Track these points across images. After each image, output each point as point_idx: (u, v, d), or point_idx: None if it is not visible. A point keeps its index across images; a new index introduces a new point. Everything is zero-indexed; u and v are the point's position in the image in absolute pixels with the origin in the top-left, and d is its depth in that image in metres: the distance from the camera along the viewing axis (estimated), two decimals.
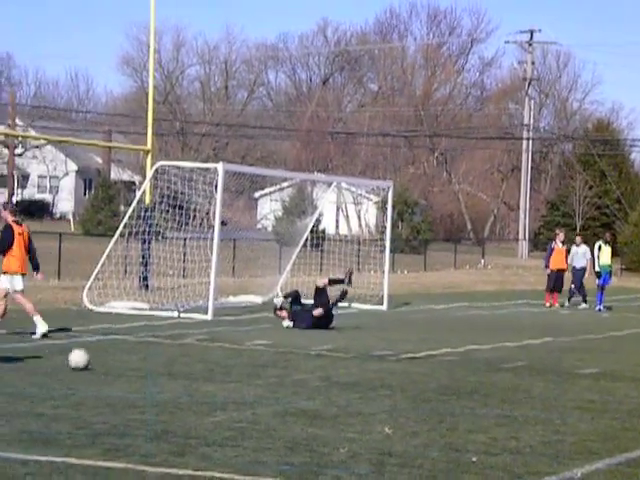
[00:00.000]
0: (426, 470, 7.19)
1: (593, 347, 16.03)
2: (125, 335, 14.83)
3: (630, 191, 65.21)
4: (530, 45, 59.24)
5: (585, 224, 61.84)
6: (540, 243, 59.77)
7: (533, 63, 60.07)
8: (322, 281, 17.85)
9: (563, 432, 8.77)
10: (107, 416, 8.59)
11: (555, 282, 24.84)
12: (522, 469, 7.34)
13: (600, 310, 24.17)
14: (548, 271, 24.93)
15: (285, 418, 8.85)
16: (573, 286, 25.16)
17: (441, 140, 72.93)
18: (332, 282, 17.99)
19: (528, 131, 58.93)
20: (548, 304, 24.76)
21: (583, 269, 24.89)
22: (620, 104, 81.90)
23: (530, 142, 59.23)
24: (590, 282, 25.33)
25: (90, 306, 18.76)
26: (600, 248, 24.64)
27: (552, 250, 25.01)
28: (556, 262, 24.78)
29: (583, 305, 24.91)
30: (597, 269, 24.58)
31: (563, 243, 25.12)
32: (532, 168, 61.21)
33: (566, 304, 24.92)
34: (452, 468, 7.29)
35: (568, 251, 25.20)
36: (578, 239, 25.81)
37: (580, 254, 25.09)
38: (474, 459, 7.55)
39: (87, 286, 19.34)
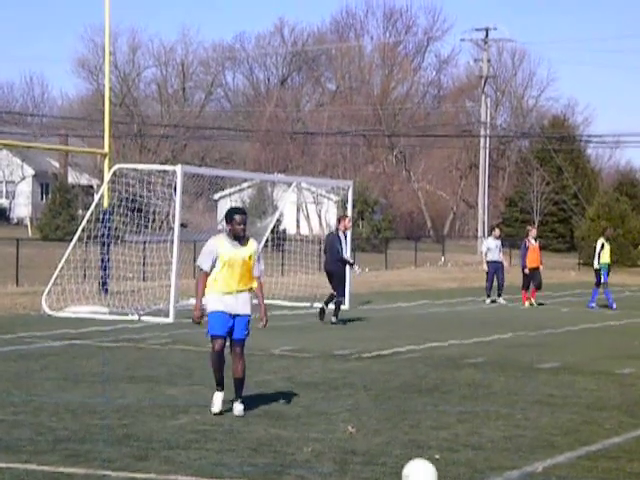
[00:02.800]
0: (389, 467, 7.23)
1: (552, 342, 16.19)
2: (85, 340, 14.71)
3: (587, 186, 65.98)
4: (486, 43, 59.66)
5: (543, 220, 62.47)
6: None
7: (489, 61, 60.51)
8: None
9: (524, 427, 8.85)
10: (68, 422, 8.53)
11: (533, 280, 24.13)
12: (484, 464, 7.40)
13: (614, 308, 23.41)
14: (527, 270, 24.07)
15: (248, 419, 8.84)
16: (488, 284, 24.57)
17: (400, 139, 73.24)
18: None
19: (485, 129, 59.37)
20: (527, 303, 24.08)
21: (501, 263, 24.65)
22: (575, 100, 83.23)
23: (487, 139, 59.67)
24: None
25: (49, 311, 18.60)
26: (603, 246, 23.69)
27: (527, 248, 24.26)
28: (532, 260, 24.12)
29: (488, 300, 24.54)
30: (597, 267, 23.64)
31: (535, 239, 24.56)
32: (490, 165, 61.67)
33: (502, 301, 24.37)
34: None
35: (540, 247, 24.70)
36: (498, 231, 25.36)
37: (496, 247, 24.71)
38: (437, 456, 7.60)
39: (46, 291, 19.16)
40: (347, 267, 18.77)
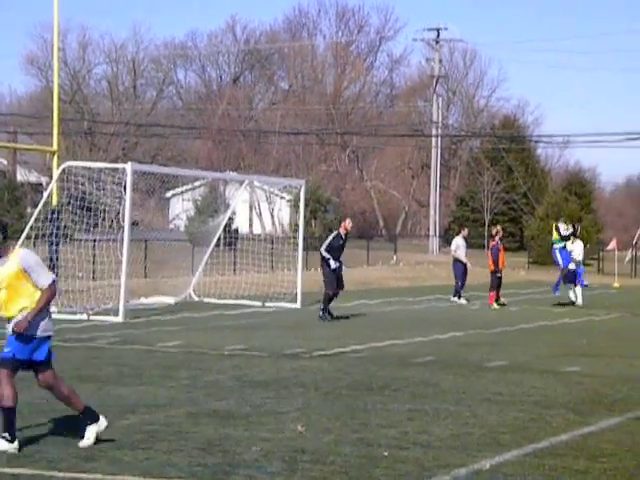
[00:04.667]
0: (338, 466, 7.24)
1: (501, 340, 16.34)
2: None
3: (536, 186, 66.74)
4: (437, 43, 60.05)
5: (493, 219, 63.04)
6: (451, 239, 60.77)
7: (440, 61, 60.92)
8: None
9: (472, 425, 8.92)
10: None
11: (499, 280, 24.12)
12: (432, 462, 7.45)
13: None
14: (499, 273, 23.84)
15: (198, 419, 8.80)
16: (460, 283, 24.67)
17: (352, 138, 73.44)
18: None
19: (437, 128, 59.77)
20: (498, 304, 23.84)
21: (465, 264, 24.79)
22: (526, 100, 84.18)
23: (439, 139, 60.09)
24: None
25: None
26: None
27: (499, 250, 23.99)
28: (502, 261, 24.10)
29: (463, 301, 24.62)
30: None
31: (501, 240, 24.56)
32: (441, 165, 62.13)
33: (462, 301, 24.50)
34: (364, 463, 7.36)
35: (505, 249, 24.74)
36: (467, 231, 25.75)
37: (463, 247, 24.88)
38: (385, 453, 7.63)
39: None
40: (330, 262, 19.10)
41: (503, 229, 26.61)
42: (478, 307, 23.98)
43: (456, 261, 25.00)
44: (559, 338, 16.97)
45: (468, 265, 25.13)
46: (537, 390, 11.02)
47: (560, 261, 24.48)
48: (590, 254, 51.91)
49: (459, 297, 24.76)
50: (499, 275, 24.05)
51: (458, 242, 25.19)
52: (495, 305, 23.96)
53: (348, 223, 19.44)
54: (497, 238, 24.31)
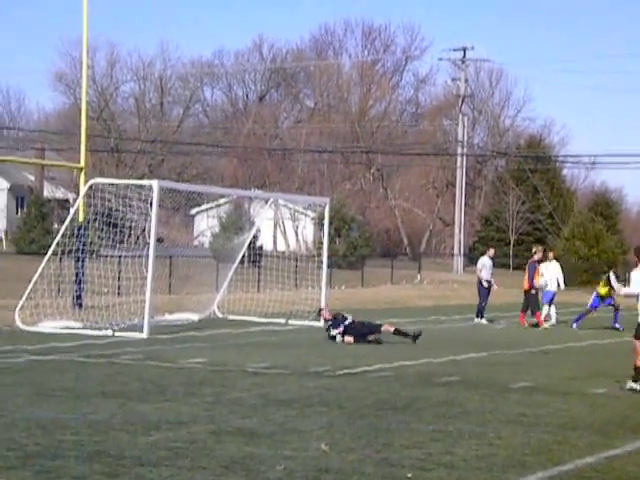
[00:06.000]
0: None
1: (526, 361, 16.24)
2: (58, 355, 14.60)
3: (562, 206, 66.44)
4: (463, 62, 60.06)
5: (518, 239, 62.81)
6: (475, 258, 60.53)
7: (466, 80, 60.90)
8: (388, 328, 18.59)
9: (497, 446, 8.86)
10: (39, 437, 8.46)
11: (536, 301, 24.09)
12: None
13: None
14: (534, 291, 23.94)
15: (221, 437, 8.80)
16: (483, 303, 24.54)
17: (377, 156, 73.48)
18: (397, 333, 18.54)
19: (462, 147, 59.69)
20: (543, 325, 23.76)
21: (490, 283, 24.71)
22: (552, 120, 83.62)
23: (464, 158, 59.99)
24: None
25: (22, 326, 18.46)
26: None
27: (536, 267, 24.02)
28: (537, 280, 24.12)
29: (484, 320, 24.46)
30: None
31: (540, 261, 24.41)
32: (466, 184, 61.96)
33: (484, 322, 24.41)
34: None
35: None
36: (492, 251, 25.56)
37: (490, 267, 24.90)
38: (409, 474, 7.59)
39: (19, 305, 19.02)
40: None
41: (528, 249, 26.50)
42: (503, 327, 23.85)
43: (480, 281, 24.96)
44: (584, 359, 16.84)
45: (494, 286, 25.02)
46: (562, 412, 10.93)
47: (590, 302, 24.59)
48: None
49: (481, 317, 24.67)
50: (534, 292, 24.04)
51: (484, 262, 25.14)
52: (526, 324, 23.92)
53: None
54: (536, 257, 24.29)
